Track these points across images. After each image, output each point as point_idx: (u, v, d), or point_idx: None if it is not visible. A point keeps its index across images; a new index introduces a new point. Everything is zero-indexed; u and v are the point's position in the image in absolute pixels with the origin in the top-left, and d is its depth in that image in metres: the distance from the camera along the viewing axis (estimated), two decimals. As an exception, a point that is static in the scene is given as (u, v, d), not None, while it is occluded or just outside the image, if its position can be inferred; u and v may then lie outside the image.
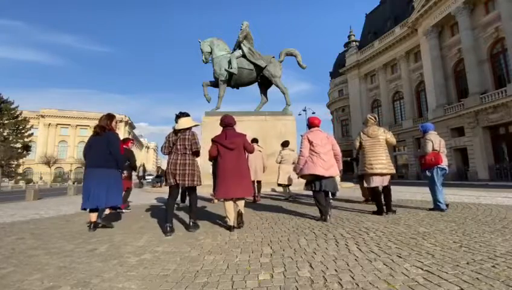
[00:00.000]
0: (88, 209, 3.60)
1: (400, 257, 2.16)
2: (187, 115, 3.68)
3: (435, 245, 2.44)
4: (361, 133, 4.43)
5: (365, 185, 4.40)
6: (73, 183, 40.84)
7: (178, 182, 3.36)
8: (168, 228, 3.22)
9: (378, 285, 1.65)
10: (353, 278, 1.76)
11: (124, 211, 5.24)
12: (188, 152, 3.45)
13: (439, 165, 4.46)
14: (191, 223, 3.46)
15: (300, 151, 3.94)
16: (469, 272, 1.79)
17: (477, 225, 3.27)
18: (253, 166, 6.17)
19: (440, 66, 24.24)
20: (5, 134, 33.42)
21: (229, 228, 3.34)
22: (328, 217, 3.72)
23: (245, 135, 3.68)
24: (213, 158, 3.64)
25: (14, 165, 35.44)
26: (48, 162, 47.92)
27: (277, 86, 11.51)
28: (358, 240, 2.72)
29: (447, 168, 4.57)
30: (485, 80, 20.48)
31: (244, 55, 11.31)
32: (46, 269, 2.12)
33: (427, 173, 4.57)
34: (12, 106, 35.31)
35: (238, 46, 11.53)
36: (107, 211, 3.72)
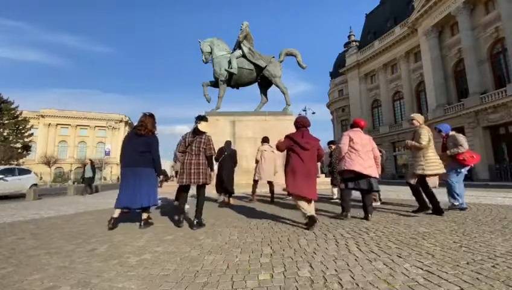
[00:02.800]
0: (118, 208, 3.66)
1: (400, 257, 2.16)
2: (206, 120, 3.91)
3: (435, 245, 2.44)
4: (429, 133, 4.19)
5: (431, 185, 4.23)
6: (73, 183, 40.86)
7: (193, 180, 3.61)
8: (180, 219, 3.65)
9: (378, 285, 1.65)
10: (353, 278, 1.76)
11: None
12: (201, 154, 3.69)
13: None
14: (195, 222, 3.53)
15: (340, 147, 3.99)
16: (469, 272, 1.79)
17: (477, 225, 3.27)
18: (265, 166, 6.11)
19: (440, 66, 24.24)
20: (5, 134, 33.40)
21: (309, 218, 3.34)
22: (349, 215, 3.86)
23: (319, 140, 3.70)
24: (280, 151, 3.70)
25: (14, 165, 35.43)
26: (48, 162, 47.95)
27: (277, 86, 11.51)
28: (358, 240, 2.72)
29: None
30: (485, 80, 20.47)
31: (244, 55, 11.30)
32: (46, 269, 2.12)
33: (463, 171, 4.45)
34: (12, 106, 35.29)
35: (238, 46, 11.52)
36: (145, 216, 3.74)
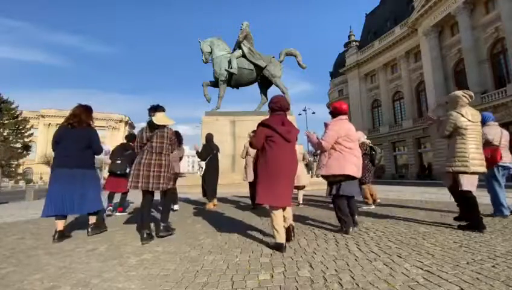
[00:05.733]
0: (54, 217, 3.03)
1: (400, 257, 2.16)
2: (163, 109, 3.23)
3: (435, 245, 2.44)
4: (457, 114, 3.07)
5: (462, 186, 3.04)
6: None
7: (151, 185, 2.92)
8: (145, 235, 2.85)
9: (378, 285, 1.65)
10: (353, 278, 1.76)
11: (118, 213, 4.84)
12: (164, 152, 3.07)
13: (500, 163, 3.68)
14: (162, 226, 3.11)
15: (322, 142, 3.08)
16: (469, 272, 1.79)
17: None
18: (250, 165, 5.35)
19: (440, 66, 24.26)
20: (5, 134, 33.46)
21: (279, 248, 2.39)
22: (351, 229, 3.00)
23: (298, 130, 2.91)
24: (258, 148, 2.69)
25: (14, 165, 35.52)
26: (48, 162, 47.88)
27: (277, 85, 11.52)
28: (358, 240, 2.72)
29: (511, 165, 3.80)
30: (485, 80, 20.49)
31: (244, 55, 11.31)
32: (46, 269, 2.12)
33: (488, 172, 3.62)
34: (12, 106, 35.35)
35: (238, 46, 11.53)
36: (93, 219, 3.27)
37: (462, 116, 3.06)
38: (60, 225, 3.02)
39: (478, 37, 21.04)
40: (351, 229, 2.99)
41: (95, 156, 3.42)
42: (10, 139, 33.88)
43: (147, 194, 3.06)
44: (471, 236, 2.74)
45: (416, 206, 4.98)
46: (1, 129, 33.25)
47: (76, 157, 3.13)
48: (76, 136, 3.15)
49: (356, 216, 3.31)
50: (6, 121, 33.82)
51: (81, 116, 3.23)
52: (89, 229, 3.24)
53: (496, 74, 20.41)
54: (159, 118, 3.10)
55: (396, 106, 31.94)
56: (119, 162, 4.91)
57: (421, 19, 25.81)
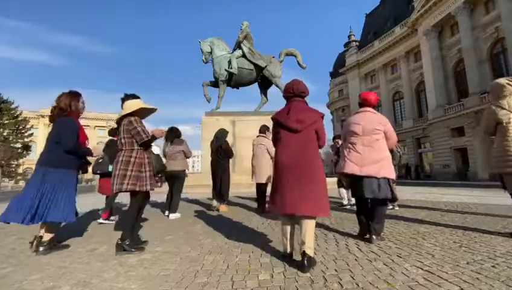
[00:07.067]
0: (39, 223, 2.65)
1: (399, 257, 2.16)
2: (135, 97, 2.75)
3: (435, 245, 2.44)
4: (496, 107, 2.75)
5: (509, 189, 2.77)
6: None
7: (113, 186, 2.56)
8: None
9: (378, 285, 1.65)
10: (353, 278, 1.76)
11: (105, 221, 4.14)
12: (124, 147, 2.62)
13: None
14: (118, 241, 2.49)
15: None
16: (469, 272, 1.79)
17: (477, 225, 3.27)
18: (259, 164, 4.89)
19: (440, 66, 24.26)
20: (5, 134, 33.47)
21: (284, 257, 2.18)
22: (374, 238, 2.56)
23: (322, 114, 2.26)
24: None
25: (14, 165, 35.52)
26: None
27: (277, 86, 11.52)
28: (358, 240, 2.71)
29: None
30: (485, 80, 20.45)
31: (244, 55, 11.32)
32: (46, 269, 2.12)
33: None
34: (12, 106, 35.36)
35: (238, 46, 11.54)
36: (48, 236, 2.68)
37: (502, 108, 2.69)
38: (43, 231, 2.71)
39: (478, 37, 21.05)
40: (374, 238, 2.57)
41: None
42: (10, 139, 33.88)
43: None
44: (471, 236, 2.74)
45: (416, 206, 4.98)
46: (1, 129, 33.25)
47: (46, 154, 2.62)
48: (53, 129, 2.67)
49: (376, 236, 2.59)
50: (6, 121, 33.82)
51: (61, 105, 2.68)
52: (39, 249, 2.51)
53: (496, 74, 20.38)
54: (128, 106, 2.68)
55: (396, 106, 31.96)
56: (100, 160, 4.42)
57: (421, 19, 25.82)
